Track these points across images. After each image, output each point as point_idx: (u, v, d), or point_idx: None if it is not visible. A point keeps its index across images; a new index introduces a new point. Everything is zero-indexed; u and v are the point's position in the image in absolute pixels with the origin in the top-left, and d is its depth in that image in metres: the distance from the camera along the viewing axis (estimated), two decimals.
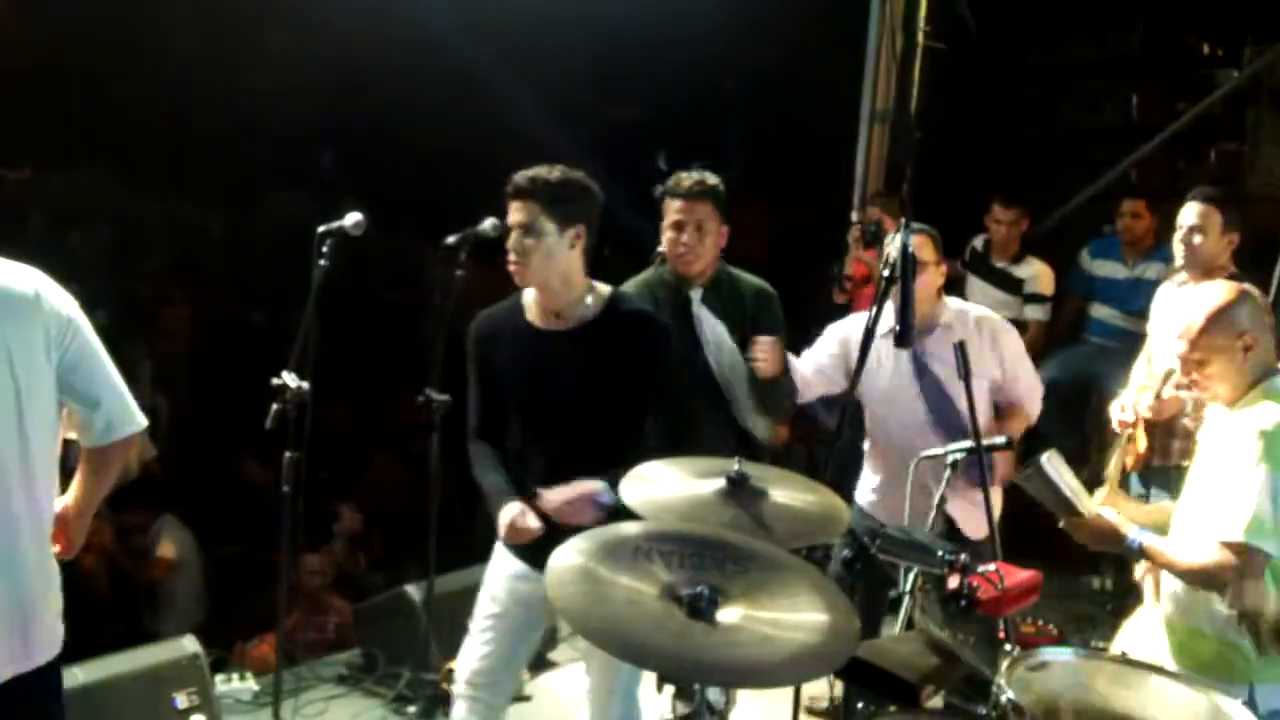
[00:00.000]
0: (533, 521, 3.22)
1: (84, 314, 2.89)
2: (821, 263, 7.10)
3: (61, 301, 2.83)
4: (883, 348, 3.94)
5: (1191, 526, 3.16)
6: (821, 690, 3.97)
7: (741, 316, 4.05)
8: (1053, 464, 3.18)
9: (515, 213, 3.29)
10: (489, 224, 3.80)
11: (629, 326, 3.37)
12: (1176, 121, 7.12)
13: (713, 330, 4.02)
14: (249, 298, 8.20)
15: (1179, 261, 4.70)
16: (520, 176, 3.29)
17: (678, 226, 3.99)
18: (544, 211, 3.26)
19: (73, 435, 2.93)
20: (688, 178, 4.02)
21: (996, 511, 4.18)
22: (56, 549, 2.93)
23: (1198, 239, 4.58)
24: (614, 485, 3.08)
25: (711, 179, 4.03)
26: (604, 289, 3.43)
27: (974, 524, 4.10)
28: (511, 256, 3.31)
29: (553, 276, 3.32)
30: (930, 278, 4.09)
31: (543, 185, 3.27)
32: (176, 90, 7.52)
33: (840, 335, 4.30)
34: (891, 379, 4.18)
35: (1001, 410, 4.25)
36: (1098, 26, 7.92)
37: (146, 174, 8.05)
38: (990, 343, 4.16)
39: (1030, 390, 4.27)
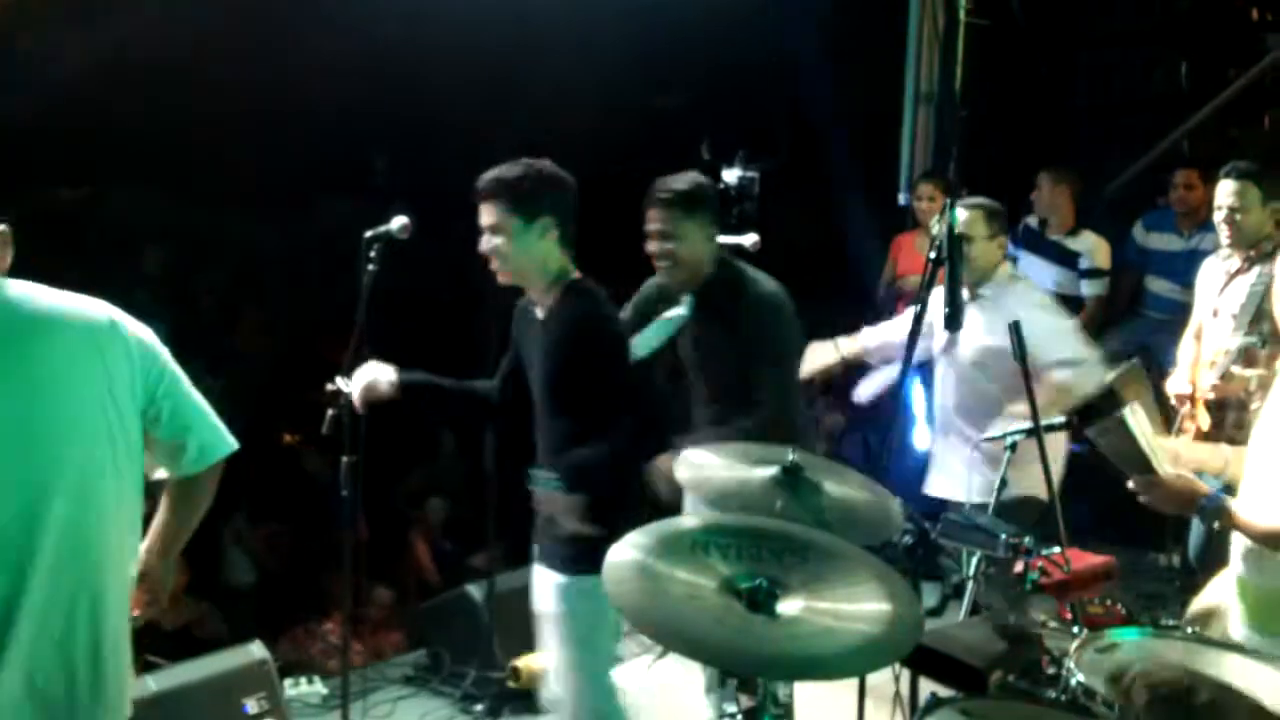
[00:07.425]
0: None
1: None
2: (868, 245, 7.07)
3: (140, 330, 2.68)
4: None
5: (1263, 488, 3.07)
6: (886, 678, 3.96)
7: (729, 331, 3.83)
8: (1136, 416, 2.92)
9: (482, 215, 3.34)
10: None
11: (565, 319, 3.35)
12: (1228, 89, 6.98)
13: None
14: (308, 305, 8.23)
15: (1223, 240, 4.68)
16: (481, 178, 3.33)
17: (649, 235, 3.86)
18: (508, 209, 3.29)
19: (160, 474, 2.77)
20: (663, 183, 3.83)
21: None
22: (140, 603, 2.75)
23: (1239, 217, 4.54)
24: (567, 479, 3.15)
25: (684, 184, 3.81)
26: (572, 278, 3.40)
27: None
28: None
29: (529, 270, 3.36)
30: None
31: (502, 184, 3.31)
32: (227, 102, 7.59)
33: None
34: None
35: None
36: None
37: (202, 188, 8.11)
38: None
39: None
